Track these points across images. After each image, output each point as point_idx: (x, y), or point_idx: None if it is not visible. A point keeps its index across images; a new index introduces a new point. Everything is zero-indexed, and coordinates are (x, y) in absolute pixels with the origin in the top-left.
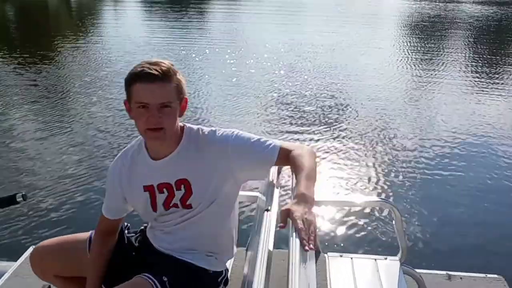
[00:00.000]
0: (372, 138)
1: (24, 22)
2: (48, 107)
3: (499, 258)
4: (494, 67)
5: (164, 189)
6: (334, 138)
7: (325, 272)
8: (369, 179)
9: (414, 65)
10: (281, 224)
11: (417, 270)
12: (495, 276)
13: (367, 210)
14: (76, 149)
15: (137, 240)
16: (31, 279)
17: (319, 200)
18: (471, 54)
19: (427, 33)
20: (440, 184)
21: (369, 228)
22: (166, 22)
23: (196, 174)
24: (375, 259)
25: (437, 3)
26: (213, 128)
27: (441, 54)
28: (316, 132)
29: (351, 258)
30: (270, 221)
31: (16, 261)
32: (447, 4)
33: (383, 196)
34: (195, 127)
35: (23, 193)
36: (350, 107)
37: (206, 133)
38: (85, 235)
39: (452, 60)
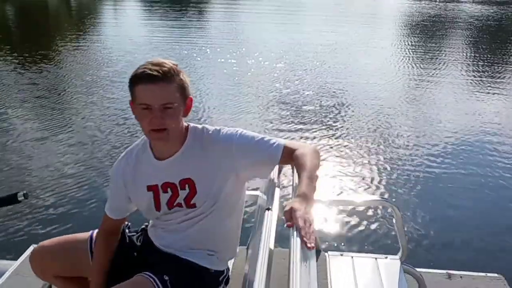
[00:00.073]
0: (373, 137)
1: (24, 22)
2: (49, 106)
3: (499, 257)
4: (494, 67)
5: (168, 189)
6: (334, 137)
7: (326, 271)
8: (369, 178)
9: (414, 65)
10: (289, 223)
11: (417, 269)
12: (495, 275)
13: (368, 209)
14: (77, 149)
15: (138, 239)
16: (32, 278)
17: (320, 200)
18: (471, 54)
19: (427, 32)
20: (441, 184)
21: (370, 227)
22: (166, 21)
23: (200, 173)
24: (376, 258)
25: (437, 3)
26: (218, 127)
27: (441, 54)
28: (316, 130)
29: (352, 257)
30: (271, 220)
31: (16, 260)
32: (447, 4)
33: (383, 195)
34: (199, 126)
35: (24, 192)
36: (350, 106)
37: (210, 132)
38: (85, 235)
39: (453, 60)
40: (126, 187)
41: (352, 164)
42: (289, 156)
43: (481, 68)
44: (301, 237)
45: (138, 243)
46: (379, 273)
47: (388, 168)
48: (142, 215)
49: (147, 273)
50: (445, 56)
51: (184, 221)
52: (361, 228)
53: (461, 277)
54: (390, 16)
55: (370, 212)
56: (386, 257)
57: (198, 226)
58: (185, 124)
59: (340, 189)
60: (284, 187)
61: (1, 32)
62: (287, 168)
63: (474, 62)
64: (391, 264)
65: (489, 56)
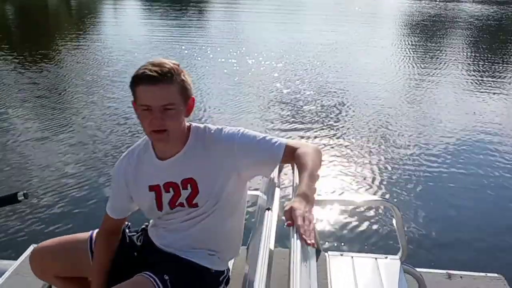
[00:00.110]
0: (373, 137)
1: (24, 22)
2: (49, 106)
3: (499, 257)
4: (495, 66)
5: (170, 189)
6: (334, 137)
7: (326, 271)
8: (370, 178)
9: (415, 64)
10: (289, 222)
11: (417, 269)
12: (495, 275)
13: (368, 209)
14: (77, 149)
15: (138, 239)
16: (32, 278)
17: (320, 199)
18: (471, 53)
19: (427, 32)
20: (441, 183)
21: (370, 227)
22: (166, 20)
23: (202, 173)
24: (376, 258)
25: (437, 2)
26: (220, 127)
27: (442, 54)
28: (317, 130)
29: (352, 257)
30: (271, 220)
31: (16, 259)
32: (447, 3)
33: (383, 195)
34: (201, 125)
35: (25, 191)
36: (351, 106)
37: (212, 131)
38: (85, 235)
39: (453, 60)
40: (128, 187)
41: (353, 164)
42: (290, 155)
43: (481, 67)
44: (300, 235)
45: (138, 243)
46: (379, 273)
47: (388, 168)
48: (142, 215)
49: (147, 273)
50: (445, 55)
51: (186, 221)
52: (361, 228)
53: (461, 277)
54: (390, 16)
55: (370, 212)
56: (386, 257)
57: (199, 226)
58: (187, 123)
59: (340, 189)
60: (284, 187)
61: (1, 32)
62: (288, 168)
63: (475, 62)
64: (391, 264)
65: (489, 55)
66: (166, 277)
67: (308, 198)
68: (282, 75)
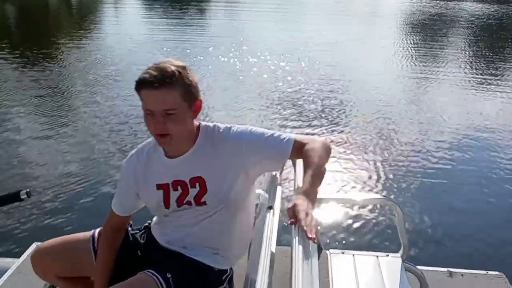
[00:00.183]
0: (374, 135)
1: (24, 21)
2: (51, 106)
3: (500, 255)
4: (496, 65)
5: (178, 187)
6: (336, 135)
7: (327, 269)
8: (372, 176)
9: (415, 63)
10: (292, 220)
11: (419, 267)
12: (496, 273)
13: (369, 208)
14: (80, 148)
15: (142, 237)
16: (34, 276)
17: (322, 197)
18: (472, 52)
19: (428, 31)
20: (443, 182)
21: (371, 225)
22: (167, 20)
23: (211, 172)
24: (377, 256)
25: (437, 2)
26: (228, 125)
27: (442, 53)
28: (318, 127)
29: (353, 255)
30: (273, 218)
31: (19, 257)
32: (448, 2)
33: (385, 193)
34: (211, 124)
35: (27, 190)
36: (352, 105)
37: (221, 130)
38: (86, 235)
39: (455, 59)
40: (137, 185)
41: (355, 162)
42: (299, 150)
43: (482, 66)
44: (302, 228)
45: (142, 241)
46: (380, 271)
47: (390, 166)
48: (145, 213)
49: (150, 270)
50: (446, 54)
51: (192, 219)
52: (363, 226)
53: (462, 275)
54: (391, 15)
55: (371, 210)
56: (388, 255)
57: (205, 224)
58: (196, 123)
59: (342, 187)
60: (286, 185)
61: (1, 32)
62: (289, 167)
63: (476, 61)
64: (392, 262)
65: (490, 54)
66: (169, 275)
67: (311, 196)
68: (283, 74)
